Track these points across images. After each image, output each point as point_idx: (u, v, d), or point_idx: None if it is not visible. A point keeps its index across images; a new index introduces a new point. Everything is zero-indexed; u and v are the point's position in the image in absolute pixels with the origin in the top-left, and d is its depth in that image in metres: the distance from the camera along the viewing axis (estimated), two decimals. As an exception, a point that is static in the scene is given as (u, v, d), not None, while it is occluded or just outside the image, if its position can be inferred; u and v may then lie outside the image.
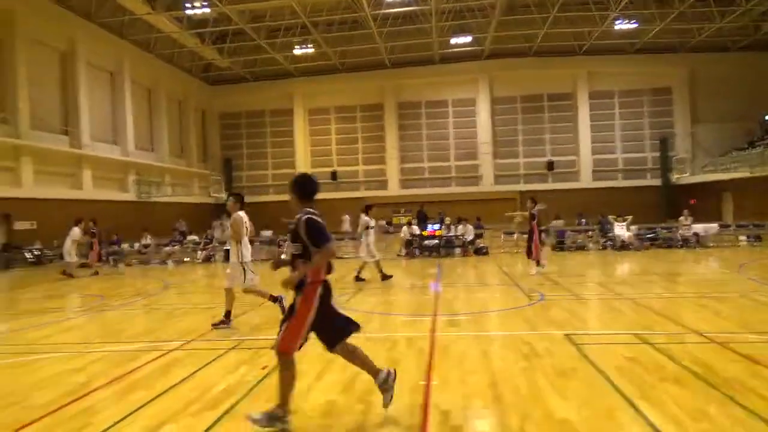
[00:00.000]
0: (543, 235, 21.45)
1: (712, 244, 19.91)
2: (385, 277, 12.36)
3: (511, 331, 7.05)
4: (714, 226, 21.01)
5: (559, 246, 19.76)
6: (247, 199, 33.33)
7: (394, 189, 38.31)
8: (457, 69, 36.69)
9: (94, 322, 8.91)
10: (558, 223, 21.47)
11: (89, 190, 26.59)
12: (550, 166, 36.69)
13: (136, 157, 30.43)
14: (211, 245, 21.65)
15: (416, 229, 19.69)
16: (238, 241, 8.04)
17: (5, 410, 4.62)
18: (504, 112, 37.60)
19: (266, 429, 3.96)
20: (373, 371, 4.30)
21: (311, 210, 4.32)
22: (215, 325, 7.81)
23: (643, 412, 4.07)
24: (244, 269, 8.05)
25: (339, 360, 5.79)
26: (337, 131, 39.35)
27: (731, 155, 32.72)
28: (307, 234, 4.12)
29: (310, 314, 4.16)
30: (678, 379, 4.82)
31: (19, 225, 22.08)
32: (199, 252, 21.25)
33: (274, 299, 8.17)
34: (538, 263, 13.14)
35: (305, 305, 4.16)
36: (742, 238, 21.05)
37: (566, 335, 6.61)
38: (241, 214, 8.07)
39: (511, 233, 22.17)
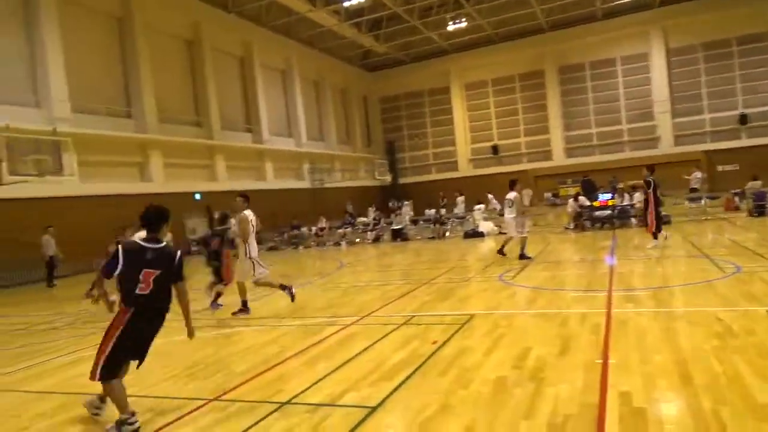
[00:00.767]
0: (737, 199, 18.98)
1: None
2: (523, 257, 11.75)
3: (699, 307, 6.39)
4: None
5: (758, 210, 17.25)
6: (410, 179, 34.74)
7: (559, 159, 36.60)
8: (624, 23, 33.63)
9: (282, 298, 9.87)
10: (755, 184, 18.78)
11: (271, 180, 29.37)
12: (743, 119, 32.11)
13: (308, 147, 32.91)
14: (379, 226, 22.65)
15: (585, 201, 18.56)
16: (245, 240, 8.37)
17: (212, 377, 5.36)
18: (682, 64, 33.65)
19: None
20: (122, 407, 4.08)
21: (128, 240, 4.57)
22: (235, 314, 8.39)
23: None
24: (253, 264, 8.45)
25: (508, 336, 5.80)
26: (496, 104, 38.53)
27: None
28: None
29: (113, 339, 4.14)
30: None
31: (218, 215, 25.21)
32: (369, 233, 22.34)
33: (284, 288, 8.73)
34: (655, 236, 11.61)
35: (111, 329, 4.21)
36: None
37: (770, 312, 5.82)
38: (247, 213, 8.43)
39: (698, 199, 19.90)
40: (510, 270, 10.56)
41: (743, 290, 7.07)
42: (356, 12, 31.59)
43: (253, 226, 8.52)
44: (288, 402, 4.42)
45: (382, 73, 40.72)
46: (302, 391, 4.63)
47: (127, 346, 4.18)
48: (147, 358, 4.40)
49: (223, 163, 26.38)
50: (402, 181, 39.83)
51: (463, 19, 32.22)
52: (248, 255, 8.47)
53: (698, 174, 23.75)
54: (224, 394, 4.76)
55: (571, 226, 18.09)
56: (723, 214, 18.78)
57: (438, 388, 4.43)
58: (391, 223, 22.51)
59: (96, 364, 4.14)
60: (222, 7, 27.00)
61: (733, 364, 4.36)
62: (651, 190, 11.49)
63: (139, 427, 4.06)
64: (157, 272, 4.19)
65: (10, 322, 10.35)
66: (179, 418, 4.28)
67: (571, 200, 18.95)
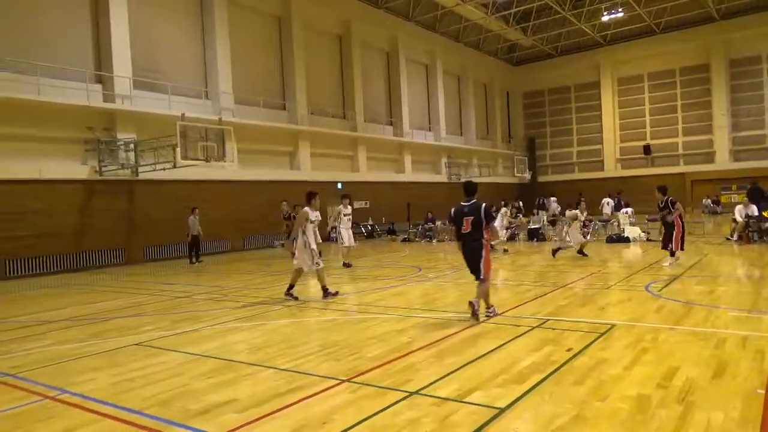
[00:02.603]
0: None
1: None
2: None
3: None
4: None
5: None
6: (551, 178, 33.52)
7: (722, 162, 33.00)
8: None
9: (414, 290, 10.05)
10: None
11: (409, 173, 29.92)
12: None
13: (447, 141, 33.01)
14: (515, 225, 22.09)
15: (754, 209, 16.53)
16: (303, 231, 8.97)
17: (346, 358, 5.62)
18: None
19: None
20: None
21: None
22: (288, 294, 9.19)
23: None
24: (312, 254, 8.96)
25: (653, 352, 5.40)
26: (652, 100, 35.67)
27: None
28: None
29: None
30: None
31: (356, 204, 26.21)
32: (504, 231, 21.87)
33: (326, 291, 9.16)
34: (672, 254, 11.37)
35: None
36: None
37: None
38: (307, 209, 8.97)
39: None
40: (658, 281, 9.76)
41: None
42: (505, 5, 30.93)
43: (310, 221, 9.09)
44: (416, 392, 4.50)
45: (527, 67, 39.51)
46: (430, 384, 4.69)
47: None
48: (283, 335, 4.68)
49: (364, 154, 27.39)
50: (542, 179, 38.45)
51: (620, 9, 30.14)
52: (308, 246, 9.04)
53: None
54: (357, 376, 4.97)
55: (735, 237, 16.25)
56: None
57: (572, 398, 4.24)
58: (528, 222, 21.87)
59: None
60: (372, 2, 27.90)
61: None
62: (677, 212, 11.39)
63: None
64: (471, 218, 7.20)
65: (173, 290, 11.69)
66: (314, 395, 4.55)
67: (739, 207, 16.98)
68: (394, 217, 26.98)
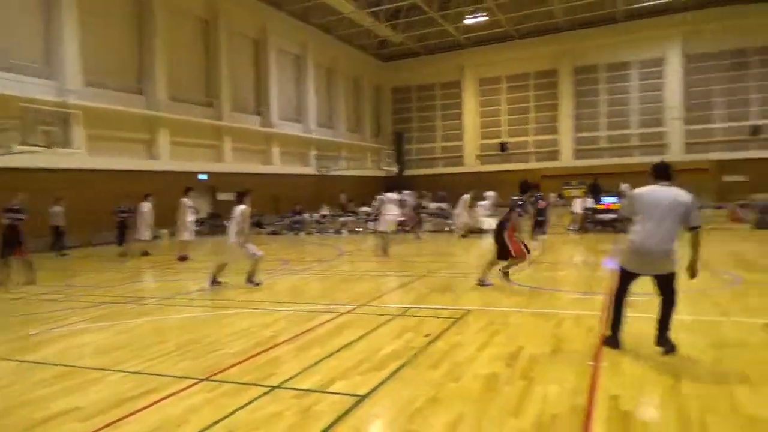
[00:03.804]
0: (742, 211, 18.83)
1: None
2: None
3: (695, 316, 6.37)
4: None
5: (764, 224, 17.18)
6: (417, 171, 34.47)
7: (566, 160, 36.40)
8: (644, 26, 33.20)
9: (280, 283, 9.91)
10: (763, 197, 18.66)
11: (277, 165, 29.37)
12: (755, 131, 31.82)
13: (317, 134, 32.87)
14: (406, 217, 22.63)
15: (590, 202, 18.52)
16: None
17: (206, 356, 5.40)
18: (699, 71, 33.31)
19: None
20: None
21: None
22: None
23: None
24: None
25: (502, 334, 5.81)
26: (508, 101, 38.30)
27: None
28: None
29: None
30: None
31: (222, 196, 25.19)
32: (371, 223, 22.33)
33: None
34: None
35: None
36: None
37: (766, 324, 5.80)
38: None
39: (703, 207, 19.76)
40: (510, 268, 10.54)
41: (741, 301, 7.06)
42: (376, 1, 31.40)
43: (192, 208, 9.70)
44: (278, 386, 4.45)
45: (396, 63, 40.51)
46: (293, 376, 4.66)
47: None
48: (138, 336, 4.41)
49: (230, 144, 26.39)
50: (408, 173, 39.75)
51: (482, 14, 31.97)
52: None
53: None
54: (215, 374, 4.80)
55: (575, 227, 18.06)
56: (728, 224, 18.71)
57: (428, 381, 4.45)
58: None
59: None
60: (240, -12, 26.91)
61: (723, 373, 4.37)
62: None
63: None
64: None
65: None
66: (168, 396, 4.31)
67: (579, 200, 18.88)
68: (261, 209, 26.32)
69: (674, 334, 5.64)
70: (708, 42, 32.75)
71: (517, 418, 3.69)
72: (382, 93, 41.89)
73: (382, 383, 4.43)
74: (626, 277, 5.15)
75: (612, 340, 5.16)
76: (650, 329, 5.80)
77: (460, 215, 18.23)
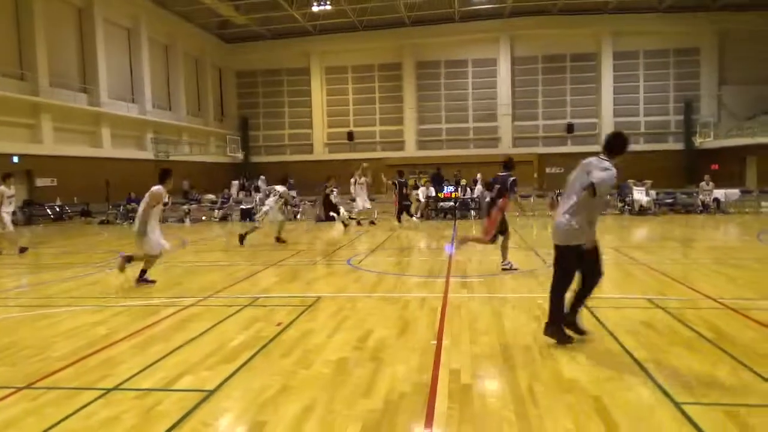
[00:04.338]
0: (559, 198, 21.32)
1: (732, 210, 19.62)
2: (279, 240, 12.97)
3: (523, 294, 7.08)
4: (735, 192, 20.64)
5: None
6: (264, 159, 33.71)
7: (411, 150, 38.07)
8: (478, 27, 35.81)
9: (113, 277, 9.11)
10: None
11: (108, 148, 26.84)
12: (570, 128, 36.07)
13: (153, 115, 30.54)
14: (228, 204, 21.84)
15: (432, 191, 19.61)
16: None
17: (26, 361, 4.79)
18: (525, 72, 36.82)
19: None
20: None
21: None
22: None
23: (653, 375, 4.10)
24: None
25: (352, 319, 5.93)
26: (355, 91, 38.93)
27: (757, 119, 31.82)
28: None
29: None
30: (689, 344, 4.82)
31: (40, 182, 22.43)
32: (217, 211, 21.45)
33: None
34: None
35: None
36: (765, 204, 20.67)
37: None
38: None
39: (527, 196, 21.99)
40: (357, 255, 10.80)
41: (559, 279, 7.96)
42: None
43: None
44: (115, 388, 4.09)
45: (240, 45, 39.05)
46: (132, 376, 4.32)
47: None
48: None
49: (50, 123, 23.51)
50: (255, 159, 38.73)
51: (328, 2, 31.99)
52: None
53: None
54: (38, 381, 4.27)
55: (418, 215, 18.98)
56: (548, 211, 20.99)
57: (279, 370, 4.40)
58: (240, 202, 21.83)
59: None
60: (58, -53, 23.93)
61: (547, 344, 4.89)
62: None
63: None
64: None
65: None
66: (-21, 409, 3.75)
67: (421, 189, 19.86)
68: (89, 197, 23.94)
69: (503, 310, 6.21)
70: (531, 46, 36.31)
71: (367, 398, 3.80)
72: (226, 76, 40.18)
73: (231, 376, 4.29)
74: None
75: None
76: (485, 308, 6.33)
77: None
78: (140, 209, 8.12)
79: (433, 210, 19.29)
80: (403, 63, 37.89)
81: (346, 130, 38.56)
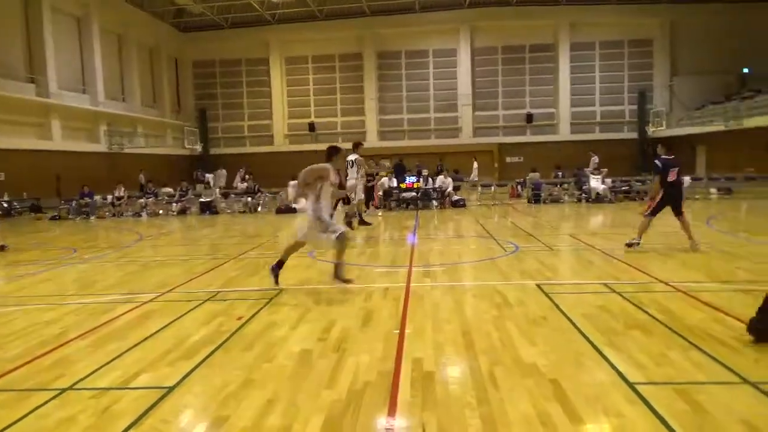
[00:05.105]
0: (519, 187, 21.66)
1: (684, 197, 20.29)
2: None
3: (484, 282, 7.18)
4: (686, 179, 21.35)
5: (535, 198, 19.95)
6: (224, 150, 33.16)
7: (372, 140, 38.00)
8: (438, 18, 35.92)
9: (67, 274, 8.83)
10: (534, 176, 21.62)
11: (58, 140, 25.89)
12: (529, 118, 36.64)
13: (106, 107, 29.56)
14: (186, 197, 21.40)
15: (394, 181, 19.66)
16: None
17: (-23, 362, 4.61)
18: (484, 63, 37.16)
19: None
20: None
21: None
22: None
23: (608, 357, 4.22)
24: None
25: (315, 311, 5.90)
26: (315, 81, 38.57)
27: (707, 108, 32.98)
28: None
29: None
30: (643, 326, 4.99)
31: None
32: (174, 204, 20.99)
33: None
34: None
35: None
36: (713, 191, 21.50)
37: (538, 285, 6.76)
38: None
39: (489, 185, 22.30)
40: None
41: (519, 267, 8.12)
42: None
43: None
44: (70, 388, 3.97)
45: (197, 35, 38.14)
46: (87, 375, 4.20)
47: None
48: None
49: (-5, 115, 22.53)
50: (214, 151, 38.02)
51: (287, -10, 31.54)
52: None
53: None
54: (-12, 382, 4.12)
55: (380, 205, 19.01)
56: (508, 200, 21.33)
57: (241, 364, 4.35)
58: (199, 195, 21.42)
59: None
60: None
61: (507, 331, 4.99)
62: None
63: None
64: None
65: None
66: (-77, 415, 3.59)
67: (384, 179, 19.87)
68: (39, 191, 23.06)
69: (465, 298, 6.30)
70: (491, 37, 36.67)
71: (331, 389, 3.79)
72: (183, 66, 39.19)
73: (191, 372, 4.22)
74: None
75: None
76: (447, 296, 6.40)
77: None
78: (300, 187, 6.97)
79: (395, 201, 19.34)
80: (364, 53, 37.72)
81: (307, 121, 38.22)
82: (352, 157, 12.77)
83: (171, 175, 28.92)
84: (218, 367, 4.32)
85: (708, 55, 34.39)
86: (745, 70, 34.55)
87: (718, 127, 28.76)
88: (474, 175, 27.65)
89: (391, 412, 3.44)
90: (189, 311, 6.04)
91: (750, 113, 28.01)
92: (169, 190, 22.63)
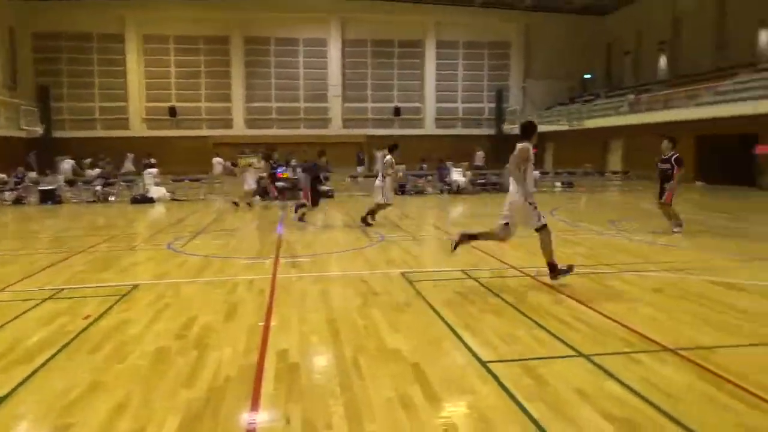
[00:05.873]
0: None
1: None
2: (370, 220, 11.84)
3: (350, 271, 7.28)
4: (536, 173, 23.29)
5: (401, 190, 20.59)
6: (70, 134, 30.10)
7: (239, 129, 36.80)
8: (308, 6, 35.50)
9: None
10: (400, 168, 22.27)
11: None
12: (397, 112, 37.68)
13: None
14: (23, 185, 19.12)
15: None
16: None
17: None
18: (355, 55, 37.50)
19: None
20: None
21: None
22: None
23: (465, 339, 4.49)
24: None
25: (174, 306, 5.59)
26: (178, 63, 36.36)
27: (555, 109, 36.28)
28: None
29: None
30: (495, 309, 5.37)
31: None
32: (7, 193, 18.67)
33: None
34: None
35: None
36: (558, 184, 23.68)
37: (402, 273, 6.99)
38: None
39: (356, 176, 22.62)
40: (180, 238, 10.20)
41: (384, 256, 8.34)
42: None
43: None
44: None
45: (38, 4, 34.08)
46: None
47: None
48: None
49: None
50: (58, 134, 34.32)
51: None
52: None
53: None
54: None
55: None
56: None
57: (88, 367, 3.99)
58: (37, 183, 19.25)
59: None
60: None
61: (371, 318, 5.10)
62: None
63: None
64: None
65: None
66: None
67: (250, 169, 19.29)
68: None
69: (331, 288, 6.33)
70: (361, 29, 37.11)
71: (189, 388, 3.62)
72: (20, 37, 34.80)
73: (28, 378, 3.79)
74: None
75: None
76: (314, 287, 6.39)
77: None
78: (512, 173, 6.53)
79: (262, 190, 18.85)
80: (231, 37, 36.29)
81: (168, 105, 35.96)
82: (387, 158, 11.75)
83: (2, 160, 25.71)
84: (60, 371, 3.93)
85: (556, 61, 37.80)
86: (587, 76, 38.54)
87: (563, 126, 31.74)
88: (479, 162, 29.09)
89: (254, 406, 3.37)
90: (25, 312, 5.42)
91: (590, 115, 31.32)
92: (2, 176, 20.06)
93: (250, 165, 18.30)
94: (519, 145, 6.43)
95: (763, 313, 5.22)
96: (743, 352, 4.24)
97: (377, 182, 11.74)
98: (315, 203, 11.99)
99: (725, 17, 28.64)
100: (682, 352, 4.16)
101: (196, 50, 36.38)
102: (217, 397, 3.47)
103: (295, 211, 12.34)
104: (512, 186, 6.49)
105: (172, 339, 4.60)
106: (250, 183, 16.30)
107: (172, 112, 35.86)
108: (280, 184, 18.83)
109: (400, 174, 13.71)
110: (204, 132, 35.82)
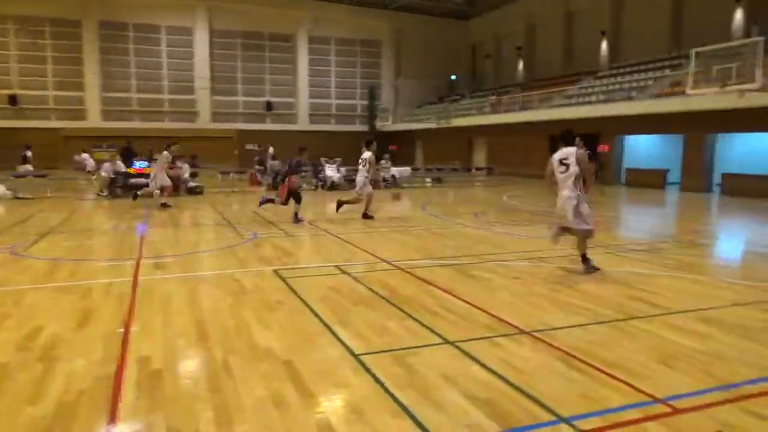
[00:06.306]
0: (258, 175, 21.74)
1: (405, 185, 22.82)
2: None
3: (220, 270, 7.01)
4: (407, 170, 24.08)
5: (275, 185, 20.20)
6: None
7: (94, 120, 33.90)
8: (171, -8, 33.60)
9: None
10: (275, 164, 21.88)
11: None
12: (269, 106, 36.97)
13: None
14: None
15: (121, 166, 17.82)
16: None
17: None
18: (224, 47, 36.17)
19: None
20: None
21: None
22: None
23: (338, 333, 4.51)
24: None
25: (15, 317, 5.01)
26: (19, 46, 32.67)
27: (424, 108, 37.69)
28: None
29: None
30: (368, 302, 5.45)
31: None
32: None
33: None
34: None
35: None
36: (428, 180, 24.65)
37: (275, 270, 6.86)
38: None
39: (227, 172, 21.89)
40: (25, 240, 9.16)
41: (257, 253, 8.12)
42: None
43: None
44: None
45: None
46: None
47: None
48: None
49: None
50: None
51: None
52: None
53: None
54: None
55: (105, 192, 17.10)
56: (248, 187, 21.19)
57: None
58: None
59: None
60: None
61: (243, 317, 4.95)
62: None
63: None
64: None
65: None
66: None
67: (106, 164, 17.87)
68: None
69: (199, 288, 6.06)
70: (230, 20, 35.83)
71: (34, 405, 3.26)
72: None
73: None
74: None
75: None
76: (180, 288, 6.07)
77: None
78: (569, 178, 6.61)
79: (119, 187, 17.50)
80: (84, 20, 33.30)
81: (8, 92, 32.16)
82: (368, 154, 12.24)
83: None
84: None
85: (426, 61, 39.30)
86: (453, 77, 40.51)
87: (431, 124, 33.08)
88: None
89: (112, 419, 3.11)
90: None
91: (456, 114, 32.94)
92: None
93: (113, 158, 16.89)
94: (578, 153, 6.68)
95: (603, 296, 5.83)
96: (588, 330, 4.70)
97: (360, 177, 12.26)
98: (286, 202, 11.52)
99: (572, 27, 31.58)
100: (536, 334, 4.52)
101: (41, 32, 32.93)
102: (68, 413, 3.17)
103: (260, 206, 12.09)
104: (567, 191, 6.66)
105: (12, 352, 4.11)
106: (161, 178, 14.58)
107: (13, 100, 32.14)
108: (134, 180, 17.50)
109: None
110: (53, 123, 32.54)
